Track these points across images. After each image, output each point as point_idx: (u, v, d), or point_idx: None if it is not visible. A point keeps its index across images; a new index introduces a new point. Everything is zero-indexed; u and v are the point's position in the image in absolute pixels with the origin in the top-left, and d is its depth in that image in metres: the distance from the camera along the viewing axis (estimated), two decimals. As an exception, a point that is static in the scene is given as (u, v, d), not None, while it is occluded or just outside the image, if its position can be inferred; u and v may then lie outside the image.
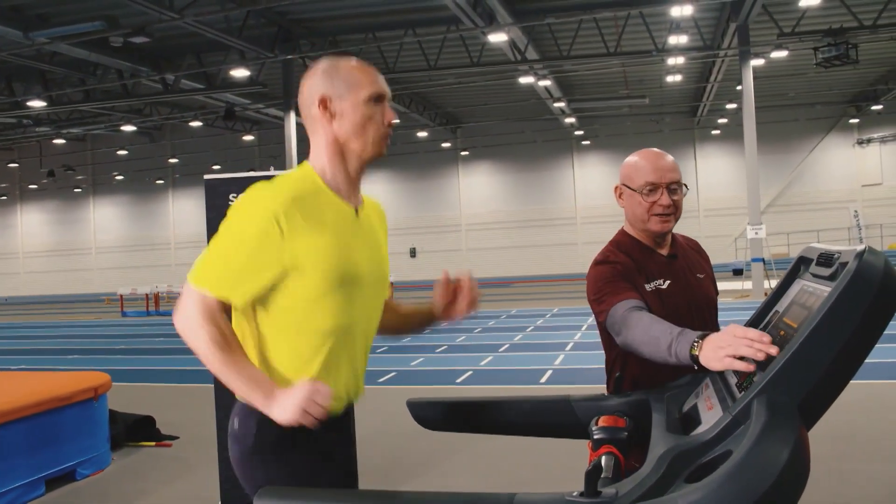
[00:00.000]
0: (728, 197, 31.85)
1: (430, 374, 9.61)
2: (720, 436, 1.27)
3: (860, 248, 1.35)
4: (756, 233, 16.74)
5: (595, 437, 1.56)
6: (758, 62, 19.20)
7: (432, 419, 2.03)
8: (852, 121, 31.33)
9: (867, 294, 1.27)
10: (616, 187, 2.25)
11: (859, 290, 1.27)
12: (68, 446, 5.26)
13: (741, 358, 1.44)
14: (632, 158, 2.22)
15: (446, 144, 34.20)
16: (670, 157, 2.19)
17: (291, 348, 1.78)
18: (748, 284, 18.46)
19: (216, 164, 32.93)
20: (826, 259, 1.51)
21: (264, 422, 1.72)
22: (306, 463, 1.78)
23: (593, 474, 1.13)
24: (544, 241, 34.27)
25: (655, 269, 2.17)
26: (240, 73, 19.24)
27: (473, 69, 20.53)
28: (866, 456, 5.12)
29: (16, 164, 36.65)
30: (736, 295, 17.89)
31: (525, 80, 21.69)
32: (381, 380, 9.18)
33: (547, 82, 22.70)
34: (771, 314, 1.72)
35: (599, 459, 1.34)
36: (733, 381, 1.54)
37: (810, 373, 1.26)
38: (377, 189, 36.08)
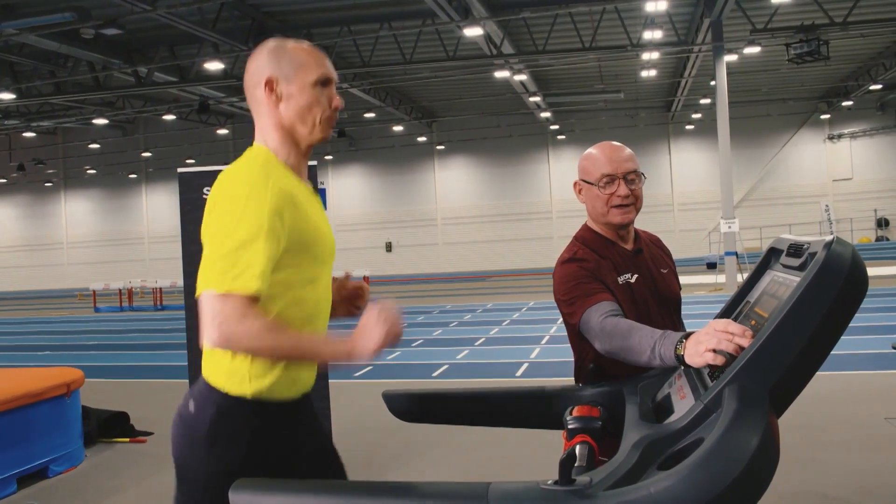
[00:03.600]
0: (702, 191, 32.16)
1: (407, 367, 9.61)
2: (692, 424, 1.29)
3: (829, 238, 1.37)
4: (729, 227, 16.93)
5: (569, 426, 1.57)
6: (731, 58, 19.39)
7: (408, 411, 2.04)
8: (823, 116, 31.75)
9: (835, 283, 1.29)
10: (575, 183, 2.25)
11: (828, 279, 1.29)
12: (40, 443, 5.19)
13: (721, 352, 1.46)
14: (587, 153, 2.22)
15: (422, 138, 34.16)
16: (626, 149, 2.19)
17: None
18: (721, 278, 18.67)
19: (190, 158, 32.60)
20: (795, 250, 1.54)
21: (225, 411, 1.71)
22: (263, 453, 1.75)
23: (567, 462, 1.14)
24: (520, 236, 34.38)
25: (622, 264, 2.16)
26: (214, 66, 19.06)
27: (449, 63, 20.52)
28: (835, 445, 5.21)
29: (-16, 158, 36.04)
30: (709, 288, 18.08)
31: (500, 74, 21.71)
32: (358, 374, 9.16)
33: (523, 77, 22.74)
34: (742, 304, 1.75)
35: (574, 448, 1.35)
36: (706, 370, 1.56)
37: (780, 361, 1.28)
38: (353, 183, 36.01)
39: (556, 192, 33.78)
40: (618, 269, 2.14)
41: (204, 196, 4.41)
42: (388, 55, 20.42)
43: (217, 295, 1.61)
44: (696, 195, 32.46)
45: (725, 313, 1.79)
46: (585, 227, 2.27)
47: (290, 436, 1.83)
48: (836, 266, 1.30)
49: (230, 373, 1.73)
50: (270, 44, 1.85)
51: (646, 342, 1.73)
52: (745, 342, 1.40)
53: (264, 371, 1.74)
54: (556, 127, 32.43)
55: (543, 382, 2.30)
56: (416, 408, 2.03)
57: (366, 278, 20.92)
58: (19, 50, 18.06)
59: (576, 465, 1.38)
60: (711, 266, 22.32)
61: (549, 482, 1.16)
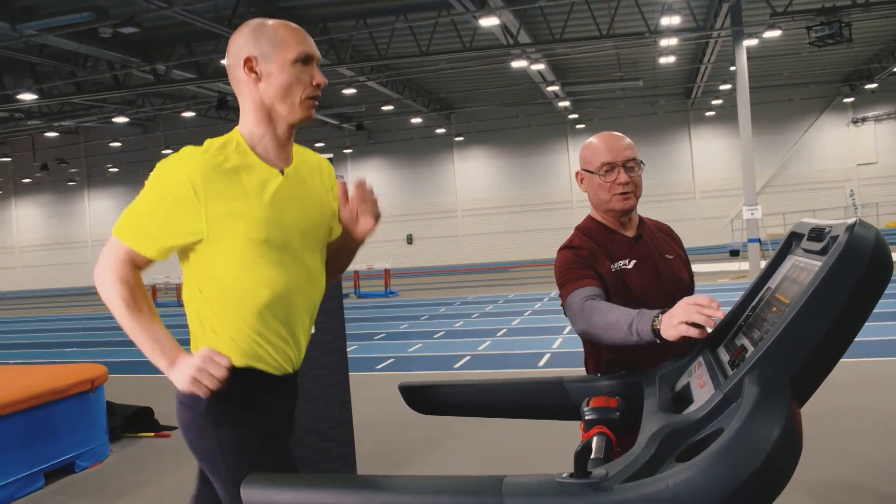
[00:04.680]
0: (724, 178, 31.82)
1: (428, 359, 9.62)
2: (711, 414, 1.25)
3: (851, 221, 1.33)
4: (752, 213, 16.73)
5: (586, 417, 1.55)
6: (751, 42, 19.11)
7: (425, 403, 2.02)
8: (847, 100, 31.26)
9: (858, 267, 1.25)
10: (577, 173, 2.31)
11: (850, 263, 1.26)
12: (66, 439, 5.26)
13: (695, 326, 1.59)
14: (587, 142, 2.29)
15: (441, 130, 34.08)
16: (625, 138, 2.25)
17: (224, 318, 1.78)
18: (745, 265, 18.48)
19: (210, 155, 32.75)
20: (817, 234, 1.50)
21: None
22: (255, 424, 1.78)
23: (582, 455, 1.12)
24: (540, 226, 34.24)
25: (619, 251, 2.22)
26: (231, 62, 19.10)
27: (466, 54, 20.41)
28: (862, 434, 5.14)
29: (9, 159, 36.42)
30: (732, 276, 17.91)
31: (518, 64, 21.58)
32: (379, 367, 9.19)
33: (540, 66, 22.59)
34: (763, 290, 1.71)
35: (590, 440, 1.33)
36: (726, 358, 1.53)
37: (802, 348, 1.25)
38: (372, 176, 35.99)
39: (576, 182, 33.59)
40: (613, 256, 2.20)
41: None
42: (405, 47, 20.37)
43: (115, 239, 1.79)
44: (718, 182, 32.14)
45: (746, 300, 1.75)
46: (588, 217, 2.35)
47: (281, 411, 1.87)
48: (859, 249, 1.26)
49: (210, 346, 1.78)
50: (251, 23, 1.83)
51: (623, 319, 1.83)
52: (715, 312, 1.54)
53: (244, 347, 1.78)
54: (574, 116, 32.22)
55: (562, 373, 2.28)
56: (432, 400, 2.02)
57: (386, 271, 20.93)
58: (40, 51, 18.21)
59: (592, 457, 1.35)
60: (734, 253, 22.12)
61: (565, 475, 1.14)
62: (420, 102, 29.29)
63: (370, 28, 18.40)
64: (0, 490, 4.79)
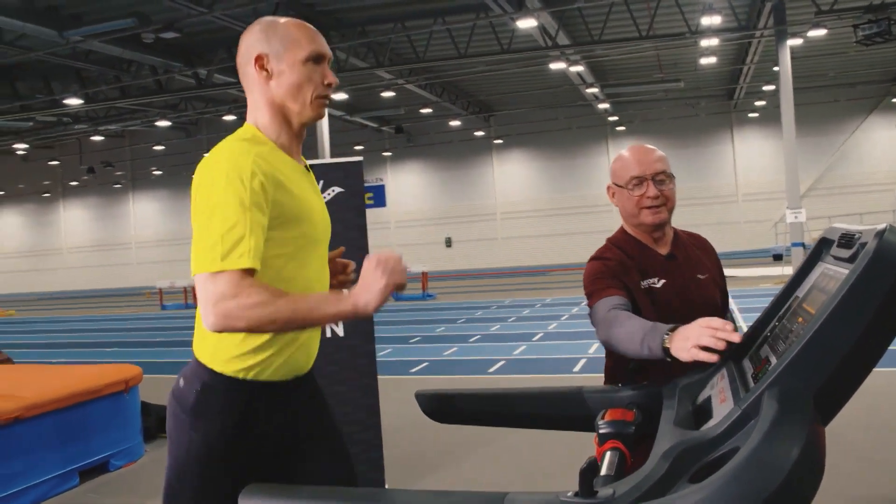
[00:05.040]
0: (768, 181, 31.21)
1: (463, 363, 9.57)
2: (728, 431, 1.18)
3: (881, 226, 1.25)
4: (795, 217, 16.38)
5: (600, 431, 1.48)
6: (795, 42, 18.72)
7: (441, 411, 1.97)
8: (895, 100, 30.44)
9: (888, 276, 1.17)
10: (608, 187, 2.27)
11: (879, 271, 1.17)
12: (100, 438, 5.32)
13: (707, 349, 1.50)
14: (618, 156, 2.26)
15: (480, 133, 34.04)
16: (656, 151, 2.20)
17: None
18: (788, 270, 18.10)
19: (251, 158, 33.14)
20: (847, 240, 1.41)
21: (209, 385, 1.73)
22: (244, 431, 1.75)
23: (588, 473, 1.06)
24: (580, 229, 33.96)
25: (651, 268, 2.16)
26: (270, 66, 19.30)
27: (504, 56, 20.34)
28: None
29: (57, 162, 37.36)
30: (775, 280, 17.54)
31: (556, 65, 21.44)
32: (414, 370, 9.16)
33: (579, 68, 22.42)
34: (791, 300, 1.62)
35: (595, 458, 1.26)
36: (750, 371, 1.46)
37: (826, 362, 1.17)
38: (412, 179, 36.12)
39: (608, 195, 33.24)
40: (644, 272, 2.15)
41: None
42: (443, 50, 20.37)
43: (209, 275, 1.59)
44: (762, 185, 31.53)
45: (773, 308, 1.67)
46: (620, 229, 2.30)
47: (277, 417, 1.81)
48: (889, 256, 1.18)
49: (215, 350, 1.74)
50: (263, 20, 1.81)
51: (637, 333, 1.77)
52: (729, 336, 1.45)
53: (249, 351, 1.74)
54: (615, 118, 31.92)
55: (584, 382, 2.23)
56: (448, 408, 1.97)
57: (424, 274, 20.94)
58: (86, 57, 18.62)
59: (603, 473, 1.29)
60: (777, 258, 21.70)
61: (570, 493, 1.08)
62: (459, 105, 29.28)
63: (408, 31, 18.43)
64: (35, 488, 4.86)
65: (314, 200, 1.84)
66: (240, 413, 1.74)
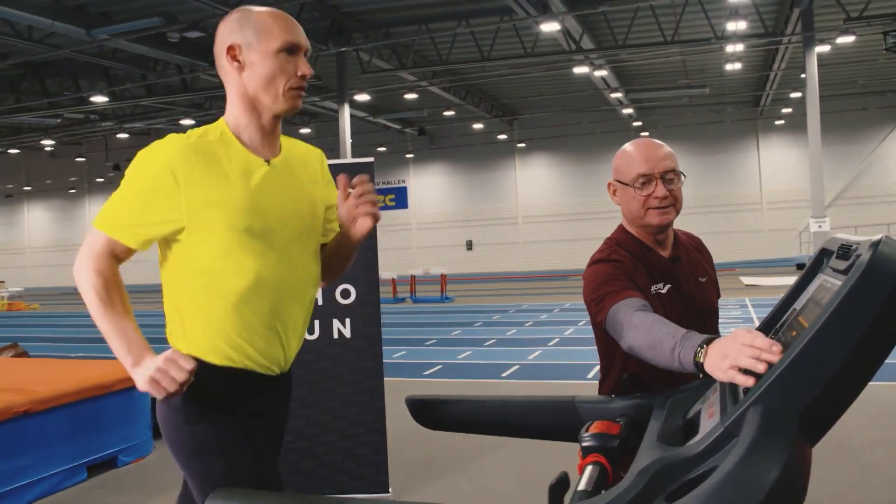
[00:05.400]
0: (793, 189, 30.80)
1: (477, 367, 9.51)
2: (709, 449, 1.13)
3: (877, 237, 1.19)
4: (819, 226, 16.16)
5: (583, 444, 1.43)
6: (823, 49, 18.49)
7: (431, 418, 1.93)
8: (926, 109, 29.96)
9: (881, 290, 1.10)
10: (609, 184, 2.10)
11: (872, 285, 1.11)
12: (110, 433, 5.35)
13: (748, 372, 1.26)
14: (621, 150, 2.08)
15: (503, 136, 33.96)
16: (664, 146, 2.04)
17: (205, 312, 1.73)
18: (812, 279, 17.84)
19: (274, 158, 33.31)
20: (845, 251, 1.35)
21: (191, 384, 1.70)
22: (232, 424, 1.74)
23: (557, 489, 1.01)
24: (601, 235, 32.88)
25: (657, 272, 2.02)
26: (294, 66, 19.37)
27: (527, 60, 20.27)
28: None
29: (83, 159, 37.82)
30: (798, 290, 17.29)
31: (580, 70, 21.33)
32: (427, 373, 9.13)
33: (603, 72, 22.28)
34: (788, 312, 1.57)
35: (564, 474, 1.22)
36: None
37: (814, 380, 1.11)
38: (433, 181, 36.10)
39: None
40: (652, 277, 2.01)
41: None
42: (466, 53, 20.35)
43: (94, 229, 1.76)
44: (787, 193, 31.13)
45: (771, 321, 1.61)
46: (621, 229, 2.13)
47: (261, 413, 1.81)
48: (883, 269, 1.11)
49: (184, 333, 1.75)
50: (239, 10, 1.79)
51: (667, 341, 1.57)
52: (775, 359, 1.21)
53: (224, 341, 1.73)
54: (639, 123, 31.68)
55: (580, 391, 2.18)
56: (438, 415, 1.93)
57: (443, 277, 20.90)
58: (113, 55, 18.83)
59: (580, 489, 1.24)
60: (801, 267, 21.36)
61: (539, 510, 1.04)
62: (482, 108, 29.23)
63: (432, 33, 18.43)
64: (44, 481, 4.89)
65: (268, 195, 1.77)
66: (233, 403, 1.74)
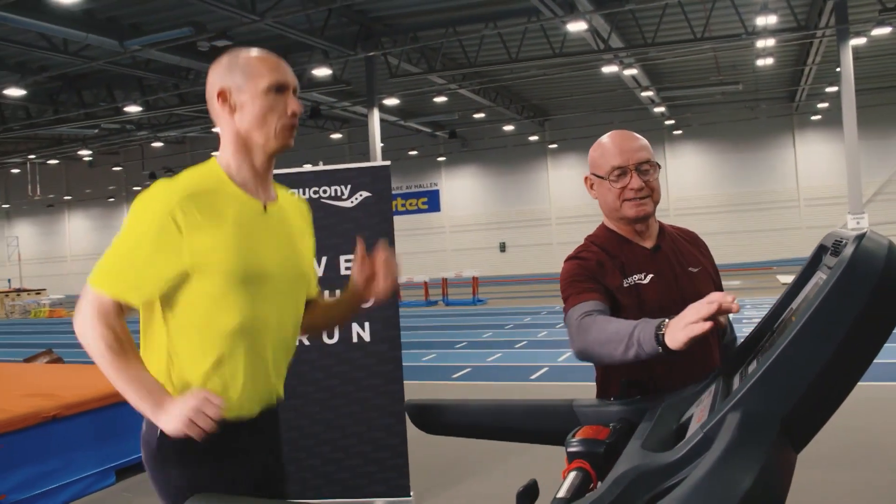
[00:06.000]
0: (831, 185, 30.19)
1: (506, 370, 9.46)
2: (688, 456, 1.08)
3: (860, 232, 1.14)
4: (857, 223, 15.82)
5: (568, 449, 1.40)
6: (858, 41, 18.08)
7: (431, 423, 1.91)
8: (969, 101, 29.16)
9: (864, 287, 1.05)
10: (586, 178, 2.10)
11: (854, 282, 1.05)
12: (137, 438, 5.39)
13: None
14: (596, 143, 2.07)
15: (534, 137, 33.82)
16: (639, 138, 2.02)
17: (194, 348, 1.72)
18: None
19: (307, 163, 33.60)
20: (836, 247, 1.30)
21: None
22: (213, 466, 1.72)
23: (524, 497, 0.98)
24: (635, 235, 33.36)
25: (635, 263, 1.99)
26: (322, 72, 19.51)
27: (556, 60, 20.16)
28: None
29: (121, 168, 38.52)
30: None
31: (609, 69, 21.16)
32: (455, 375, 9.11)
33: (633, 71, 22.07)
34: (786, 312, 1.51)
35: (533, 482, 1.18)
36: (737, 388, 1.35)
37: (795, 383, 1.06)
38: (466, 184, 36.07)
39: (674, 189, 32.60)
40: (627, 269, 1.98)
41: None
42: (495, 54, 20.31)
43: (90, 289, 1.68)
44: (825, 189, 30.53)
45: (769, 320, 1.56)
46: (601, 226, 2.13)
47: (241, 454, 1.78)
48: (865, 267, 1.06)
49: (165, 382, 1.72)
50: (228, 54, 1.81)
51: (624, 330, 1.60)
52: (729, 304, 1.33)
53: (209, 387, 1.70)
54: (671, 122, 31.33)
55: (583, 394, 2.15)
56: (438, 420, 1.90)
57: (475, 279, 20.86)
58: (146, 65, 19.14)
59: (560, 496, 1.21)
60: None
61: (508, 518, 1.01)
62: (513, 109, 29.15)
63: (460, 36, 18.42)
64: (73, 484, 4.98)
65: (264, 240, 1.78)
66: (211, 450, 1.71)
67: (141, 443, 1.78)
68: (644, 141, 2.03)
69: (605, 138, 2.06)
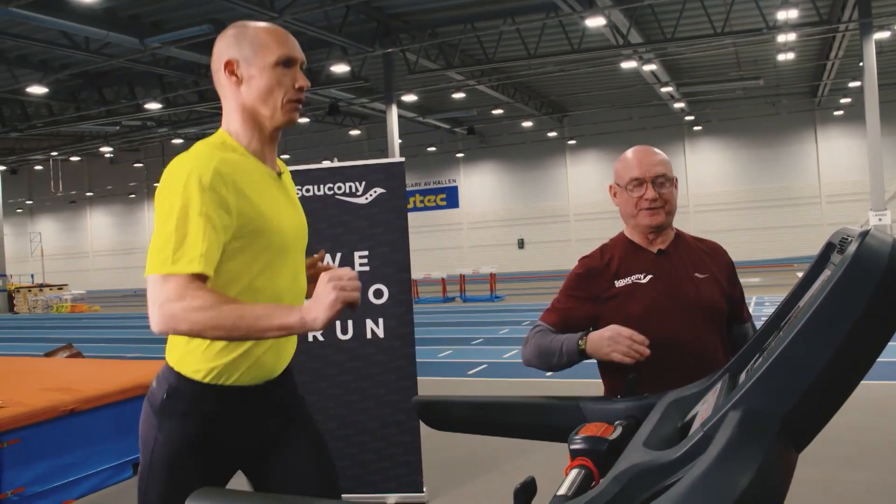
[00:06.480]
0: (854, 181, 29.83)
1: (522, 367, 9.38)
2: (688, 455, 1.07)
3: (865, 229, 1.12)
4: (879, 219, 15.64)
5: (571, 447, 1.39)
6: (882, 35, 17.84)
7: (438, 419, 1.91)
8: None
9: (866, 285, 1.03)
10: (610, 187, 2.31)
11: (856, 280, 1.04)
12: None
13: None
14: (621, 157, 2.28)
15: (553, 133, 33.71)
16: (658, 154, 2.22)
17: None
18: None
19: (326, 160, 33.66)
20: (843, 244, 1.28)
21: (175, 388, 1.74)
22: (209, 424, 1.75)
23: (522, 494, 0.98)
24: (654, 231, 33.15)
25: (637, 265, 2.19)
26: (341, 68, 19.56)
27: (575, 56, 20.08)
28: None
29: (141, 164, 38.86)
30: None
31: (628, 64, 21.04)
32: (471, 372, 9.11)
33: (652, 66, 21.92)
34: (794, 310, 1.50)
35: (531, 479, 1.17)
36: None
37: (796, 382, 1.04)
38: (484, 180, 36.03)
39: (693, 185, 32.39)
40: (629, 270, 2.19)
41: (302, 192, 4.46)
42: (513, 50, 20.26)
43: (158, 277, 1.58)
44: (848, 186, 30.17)
45: (776, 318, 1.54)
46: (620, 233, 2.35)
47: (243, 421, 1.80)
48: (868, 265, 1.04)
49: (183, 355, 1.75)
50: (235, 25, 1.81)
51: (556, 342, 2.10)
52: (643, 350, 1.78)
53: (216, 356, 1.73)
54: (691, 118, 31.10)
55: (598, 391, 2.15)
56: (445, 416, 1.91)
57: (492, 275, 20.84)
58: (166, 63, 19.30)
59: (560, 493, 1.20)
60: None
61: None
62: (532, 106, 29.07)
63: (478, 32, 18.39)
64: (91, 478, 5.02)
65: (284, 207, 1.81)
66: (203, 417, 1.75)
67: (145, 399, 1.82)
68: (663, 157, 2.22)
69: (629, 152, 2.26)
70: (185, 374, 1.74)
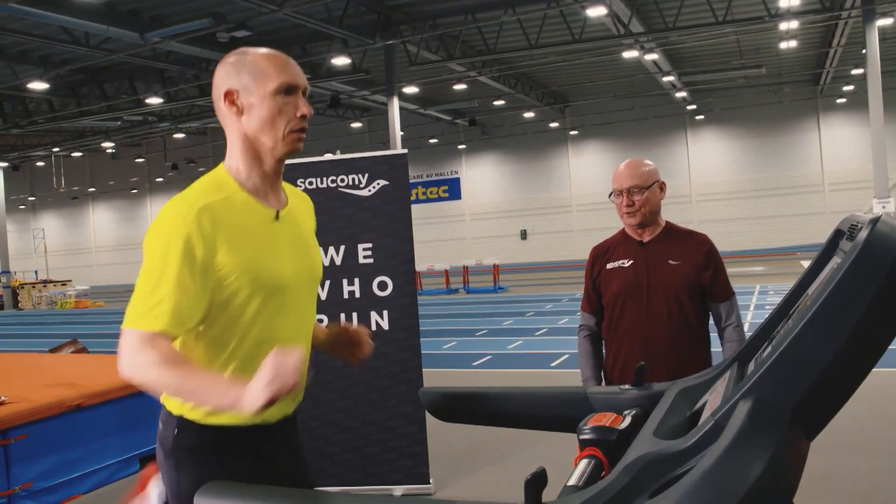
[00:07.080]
0: (857, 169, 29.75)
1: (525, 357, 9.46)
2: (699, 444, 1.06)
3: (875, 216, 1.11)
4: (883, 207, 15.59)
5: (580, 437, 1.39)
6: (885, 22, 17.75)
7: (445, 410, 1.90)
8: None
9: (878, 272, 1.02)
10: (609, 194, 2.90)
11: (867, 267, 1.03)
12: (160, 428, 5.46)
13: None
14: (616, 169, 2.86)
15: (555, 124, 33.61)
16: (637, 167, 2.78)
17: (215, 361, 1.70)
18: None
19: (328, 152, 33.62)
20: (852, 231, 1.27)
21: (183, 427, 1.69)
22: (227, 467, 1.70)
23: (532, 484, 0.98)
24: (657, 221, 33.07)
25: (625, 253, 2.83)
26: (341, 61, 19.51)
27: (576, 46, 20.00)
28: None
29: (143, 159, 38.84)
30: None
31: (629, 54, 20.95)
32: (476, 363, 9.12)
33: (654, 56, 21.83)
34: (802, 298, 1.49)
35: (542, 469, 1.17)
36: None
37: (807, 371, 1.04)
38: (486, 171, 35.99)
39: (695, 175, 32.35)
40: (615, 256, 2.84)
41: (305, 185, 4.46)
42: (514, 41, 20.18)
43: (125, 330, 1.60)
44: (851, 174, 30.09)
45: (785, 306, 1.53)
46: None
47: (261, 460, 1.76)
48: (880, 250, 1.03)
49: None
50: (234, 54, 1.75)
51: (583, 370, 2.87)
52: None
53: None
54: (693, 107, 31.00)
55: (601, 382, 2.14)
56: (452, 407, 1.90)
57: (496, 267, 20.84)
58: (166, 57, 19.25)
59: (570, 483, 1.20)
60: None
61: (515, 506, 1.01)
62: (533, 96, 28.98)
63: (478, 23, 18.32)
64: (97, 473, 5.03)
65: (281, 250, 1.75)
66: (225, 458, 1.71)
67: (157, 443, 1.78)
68: (641, 170, 2.77)
69: (618, 166, 2.85)
70: (187, 417, 1.70)
